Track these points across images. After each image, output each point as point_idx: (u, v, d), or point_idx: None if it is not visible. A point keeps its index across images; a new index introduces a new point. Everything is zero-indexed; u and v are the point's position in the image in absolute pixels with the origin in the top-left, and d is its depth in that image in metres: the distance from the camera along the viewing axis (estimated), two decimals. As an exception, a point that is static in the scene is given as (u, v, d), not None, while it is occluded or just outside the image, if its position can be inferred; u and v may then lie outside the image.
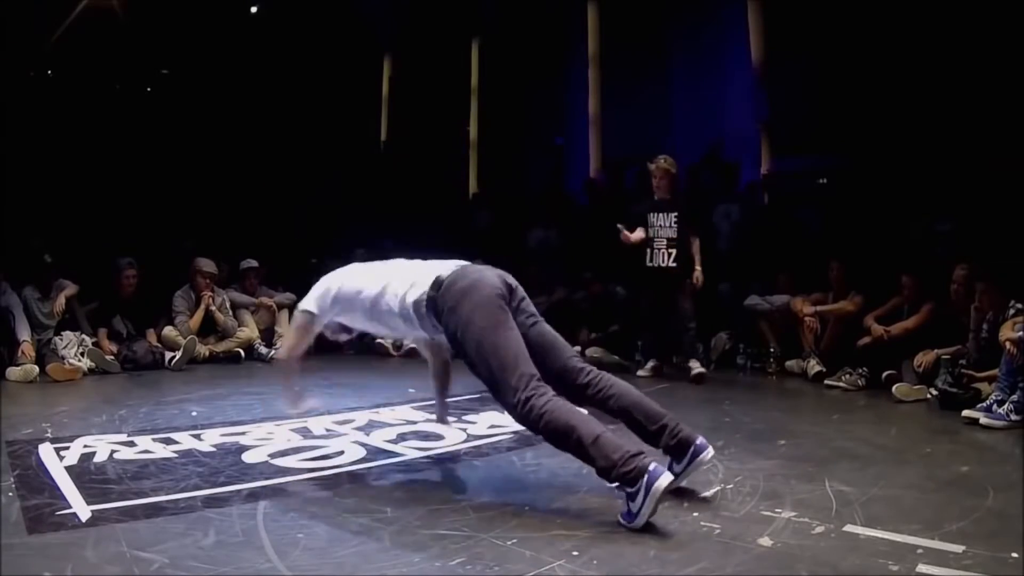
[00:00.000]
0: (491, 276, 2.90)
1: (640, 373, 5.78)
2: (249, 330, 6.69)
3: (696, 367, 5.60)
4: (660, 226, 5.72)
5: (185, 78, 9.80)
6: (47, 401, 4.80)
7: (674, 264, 5.66)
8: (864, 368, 5.31)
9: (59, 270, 6.10)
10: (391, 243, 8.31)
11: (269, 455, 3.37)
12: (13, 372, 5.42)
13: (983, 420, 4.01)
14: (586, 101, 10.07)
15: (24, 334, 5.59)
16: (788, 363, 5.97)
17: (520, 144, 10.88)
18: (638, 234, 5.70)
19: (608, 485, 2.54)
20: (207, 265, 6.54)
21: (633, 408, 2.80)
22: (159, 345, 6.26)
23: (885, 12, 7.16)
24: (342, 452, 3.44)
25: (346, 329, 3.41)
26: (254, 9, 10.39)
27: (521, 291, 2.99)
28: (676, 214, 5.69)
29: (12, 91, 8.50)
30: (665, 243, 5.69)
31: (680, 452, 2.74)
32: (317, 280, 3.45)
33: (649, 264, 5.74)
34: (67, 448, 3.41)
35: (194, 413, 4.33)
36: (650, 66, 9.60)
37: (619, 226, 5.63)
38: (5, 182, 7.55)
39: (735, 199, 7.36)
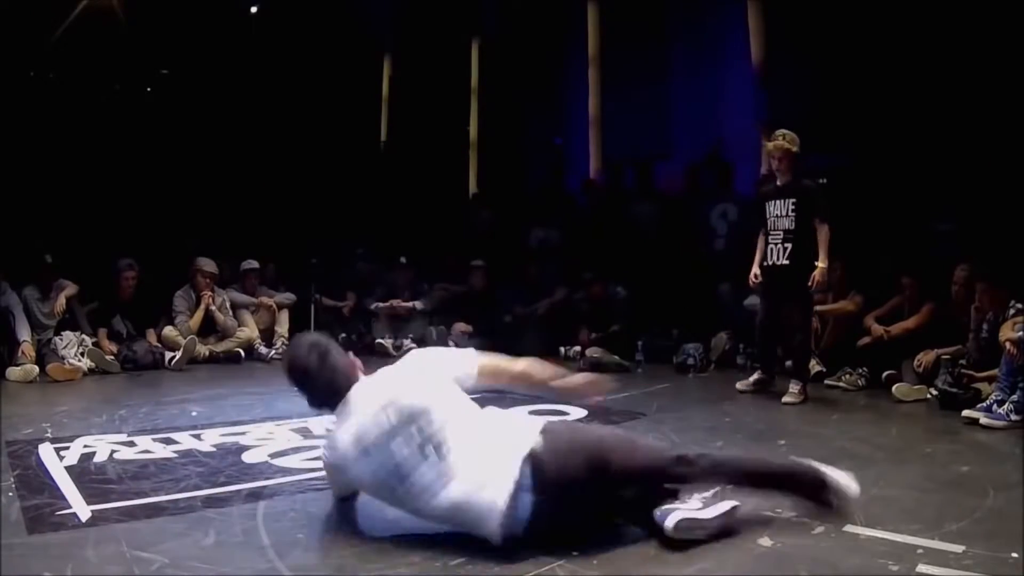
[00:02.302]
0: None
1: (740, 386, 5.10)
2: (249, 330, 6.70)
3: (791, 392, 4.79)
4: (777, 216, 4.88)
5: (185, 78, 9.79)
6: (47, 401, 4.80)
7: (787, 261, 4.81)
8: (864, 368, 5.31)
9: (59, 270, 6.11)
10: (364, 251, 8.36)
11: (269, 455, 3.37)
12: (13, 372, 5.42)
13: (983, 420, 4.01)
14: (586, 101, 10.06)
15: (24, 334, 5.61)
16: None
17: (520, 144, 10.87)
18: (760, 248, 5.03)
19: None
20: (207, 265, 6.55)
21: None
22: (159, 345, 6.27)
23: (885, 11, 7.16)
24: (342, 452, 3.43)
25: None
26: (254, 9, 10.38)
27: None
28: (794, 201, 4.80)
29: (12, 91, 8.49)
30: (781, 236, 4.85)
31: None
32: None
33: (765, 263, 4.97)
34: (67, 448, 3.42)
35: (194, 413, 4.33)
36: (650, 66, 9.59)
37: (753, 276, 5.04)
38: (6, 182, 7.55)
39: (732, 199, 7.35)
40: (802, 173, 4.97)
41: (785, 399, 4.79)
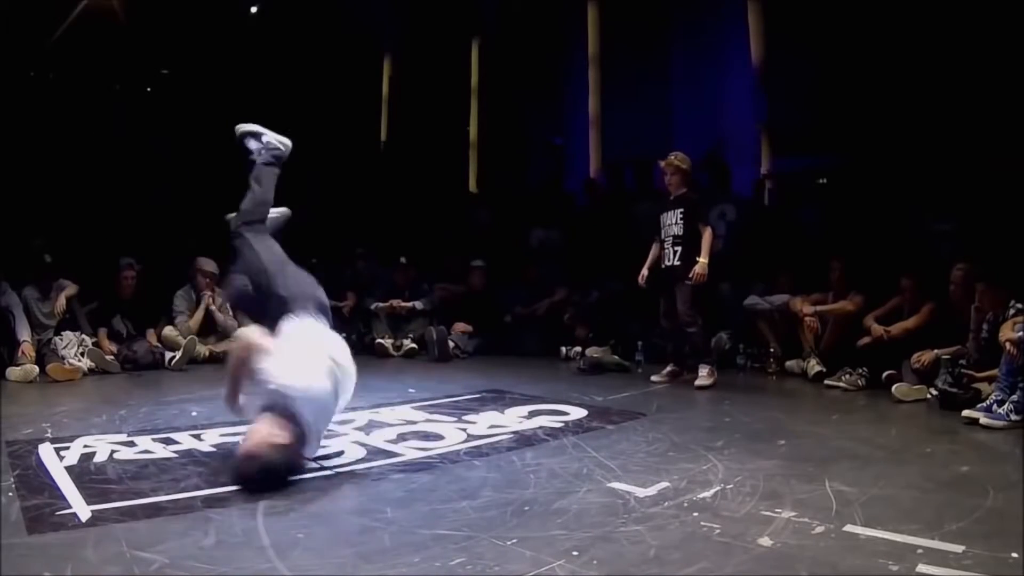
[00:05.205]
0: None
1: (654, 378, 5.63)
2: (249, 330, 6.69)
3: (701, 376, 5.38)
4: (668, 224, 5.57)
5: (185, 78, 9.79)
6: (47, 401, 4.80)
7: (679, 263, 5.47)
8: (864, 368, 5.30)
9: (59, 270, 6.10)
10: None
11: (269, 455, 3.36)
12: (13, 372, 5.42)
13: (983, 420, 4.00)
14: (586, 101, 10.07)
15: (24, 334, 5.60)
16: (788, 363, 5.98)
17: (520, 144, 10.88)
18: (652, 253, 5.64)
19: None
20: (208, 264, 6.55)
21: None
22: (159, 345, 6.27)
23: (885, 11, 7.17)
24: (342, 452, 3.44)
25: None
26: (254, 9, 10.39)
27: None
28: (681, 211, 5.50)
29: (12, 91, 8.49)
30: (671, 241, 5.54)
31: None
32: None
33: (663, 265, 5.60)
34: (67, 448, 3.42)
35: (194, 413, 4.33)
36: (650, 66, 9.60)
37: (641, 277, 5.60)
38: (6, 182, 7.55)
39: (731, 199, 7.36)
40: (692, 187, 5.62)
41: (698, 383, 5.34)
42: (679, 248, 5.48)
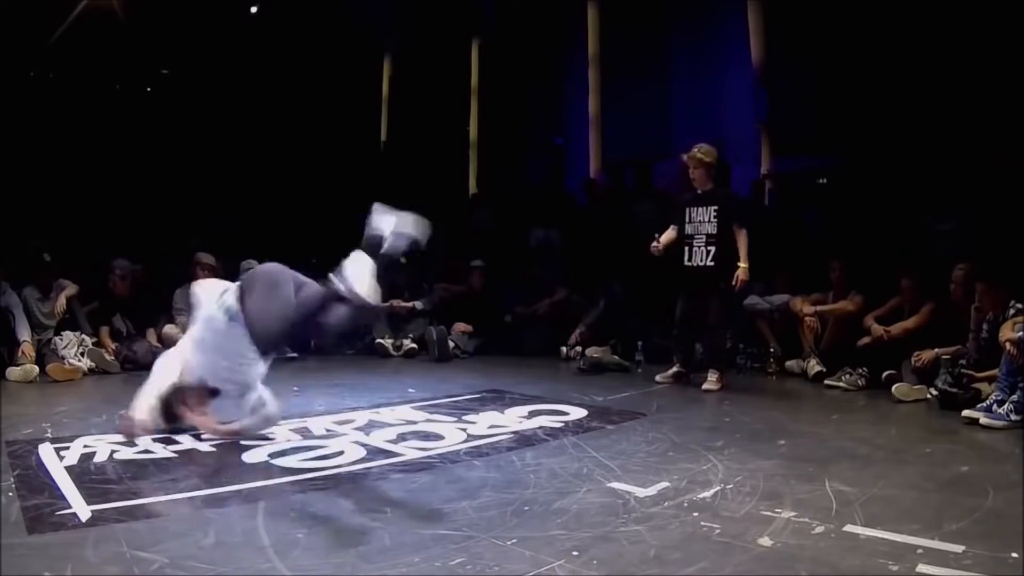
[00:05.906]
0: None
1: (658, 377, 5.52)
2: (249, 330, 6.68)
3: (710, 380, 5.24)
4: (700, 221, 5.27)
5: (185, 78, 9.80)
6: (47, 401, 4.80)
7: (712, 263, 5.20)
8: (864, 368, 5.31)
9: (59, 270, 6.10)
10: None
11: (269, 455, 3.37)
12: (13, 372, 5.42)
13: (983, 420, 4.01)
14: (586, 101, 10.07)
15: (24, 334, 5.60)
16: (788, 363, 5.97)
17: (520, 144, 10.88)
18: (668, 235, 5.37)
19: None
20: (207, 257, 6.54)
21: None
22: (160, 344, 6.25)
23: (886, 11, 7.16)
24: (342, 452, 3.44)
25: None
26: (254, 9, 10.39)
27: None
28: (716, 208, 5.22)
29: (12, 91, 8.50)
30: (704, 240, 5.24)
31: None
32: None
33: (687, 263, 5.32)
34: (67, 448, 3.42)
35: (194, 413, 4.32)
36: (650, 66, 9.60)
37: (654, 243, 5.32)
38: (6, 182, 7.55)
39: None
40: (720, 183, 5.48)
41: (705, 386, 5.21)
42: (712, 248, 5.21)
